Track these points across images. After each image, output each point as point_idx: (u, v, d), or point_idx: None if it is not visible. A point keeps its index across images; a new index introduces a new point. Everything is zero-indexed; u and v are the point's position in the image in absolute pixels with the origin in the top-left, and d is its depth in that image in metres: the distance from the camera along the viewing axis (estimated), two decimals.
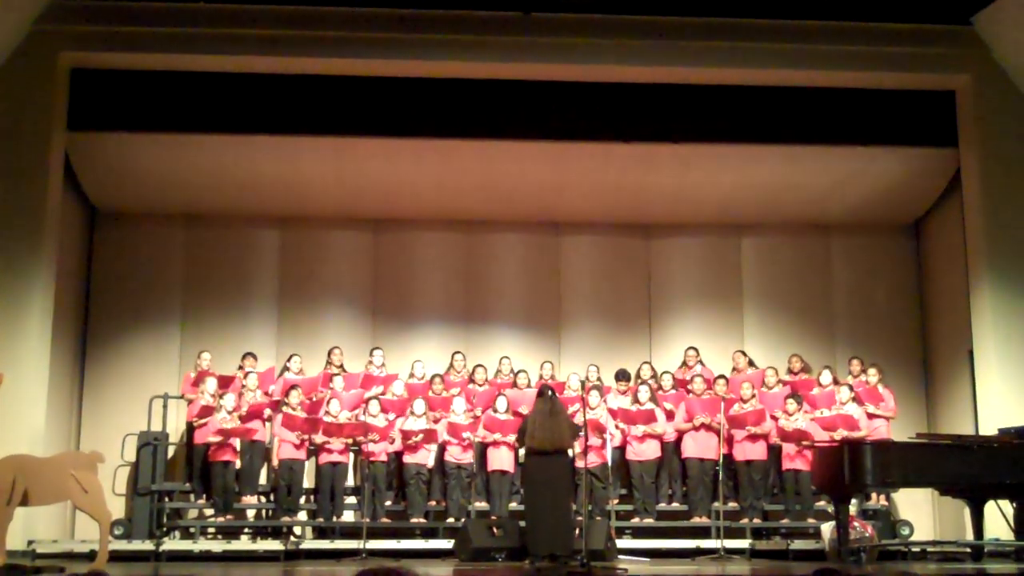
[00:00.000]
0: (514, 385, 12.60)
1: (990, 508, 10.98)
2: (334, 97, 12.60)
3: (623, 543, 11.31)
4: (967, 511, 11.27)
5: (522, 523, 10.53)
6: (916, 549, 11.70)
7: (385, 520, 12.00)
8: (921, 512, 13.15)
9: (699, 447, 12.13)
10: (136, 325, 13.54)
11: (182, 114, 12.47)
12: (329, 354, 12.87)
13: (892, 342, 14.07)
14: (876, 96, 12.91)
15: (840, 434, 11.52)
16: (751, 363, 13.09)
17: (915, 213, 14.28)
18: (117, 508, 12.24)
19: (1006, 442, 10.57)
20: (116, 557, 10.33)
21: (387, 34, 12.28)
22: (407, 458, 12.06)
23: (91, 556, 10.01)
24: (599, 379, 12.76)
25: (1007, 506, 10.92)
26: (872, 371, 12.58)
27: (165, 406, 12.65)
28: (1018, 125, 12.63)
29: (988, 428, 11.81)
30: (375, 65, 12.42)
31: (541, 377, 12.70)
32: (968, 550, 11.23)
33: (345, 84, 12.59)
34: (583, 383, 11.85)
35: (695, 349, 13.28)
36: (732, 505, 12.13)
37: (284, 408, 11.98)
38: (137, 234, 13.81)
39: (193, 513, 12.40)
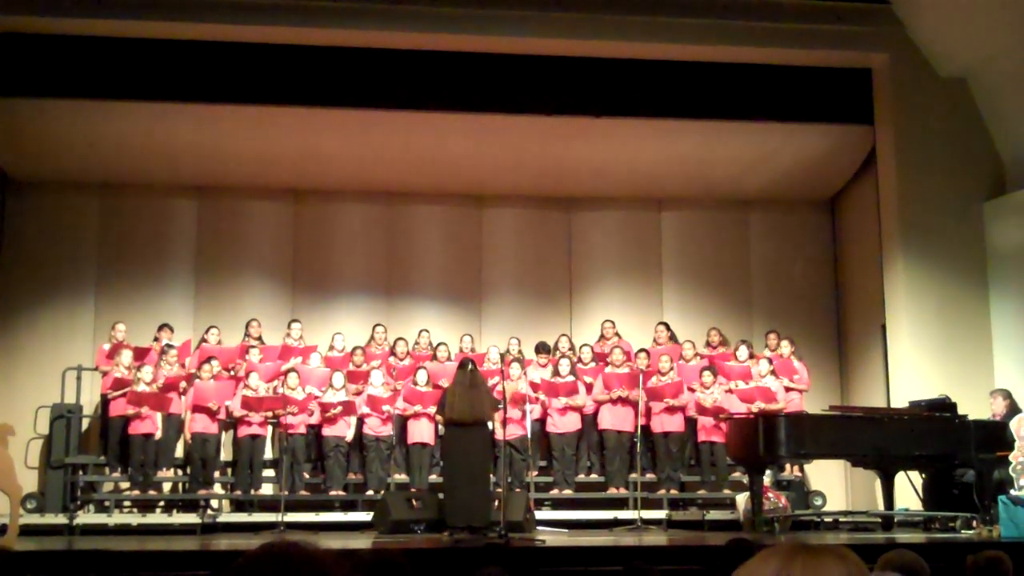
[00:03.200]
0: (434, 358, 12.59)
1: (900, 479, 11.23)
2: (254, 65, 12.42)
3: (542, 515, 11.39)
4: (878, 482, 11.53)
5: (441, 495, 10.56)
6: (828, 519, 11.92)
7: (304, 493, 11.96)
8: (834, 483, 13.39)
9: (617, 419, 12.23)
10: (49, 296, 13.26)
11: (97, 80, 12.20)
12: (247, 326, 12.75)
13: (807, 316, 14.29)
14: (794, 73, 13.06)
15: (757, 406, 11.68)
16: (672, 336, 13.20)
17: (831, 189, 14.48)
18: (30, 482, 12.03)
19: (916, 415, 10.83)
20: (29, 531, 10.15)
21: (308, 2, 12.12)
22: (326, 431, 12.01)
23: (3, 530, 9.83)
24: (520, 352, 12.79)
25: (916, 477, 11.20)
26: (785, 344, 12.77)
27: (79, 378, 12.44)
28: (933, 103, 12.84)
29: (899, 401, 12.07)
30: (295, 33, 12.26)
31: (461, 350, 12.71)
32: (879, 520, 11.46)
33: (265, 52, 12.42)
34: (503, 356, 11.88)
35: (611, 321, 13.36)
36: (649, 476, 12.26)
37: (196, 380, 11.85)
38: (50, 203, 13.50)
39: (108, 486, 12.22)
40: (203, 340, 12.63)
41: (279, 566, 1.91)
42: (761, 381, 12.17)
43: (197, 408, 11.77)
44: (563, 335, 13.25)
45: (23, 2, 11.83)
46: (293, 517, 11.18)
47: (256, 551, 1.95)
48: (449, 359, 12.49)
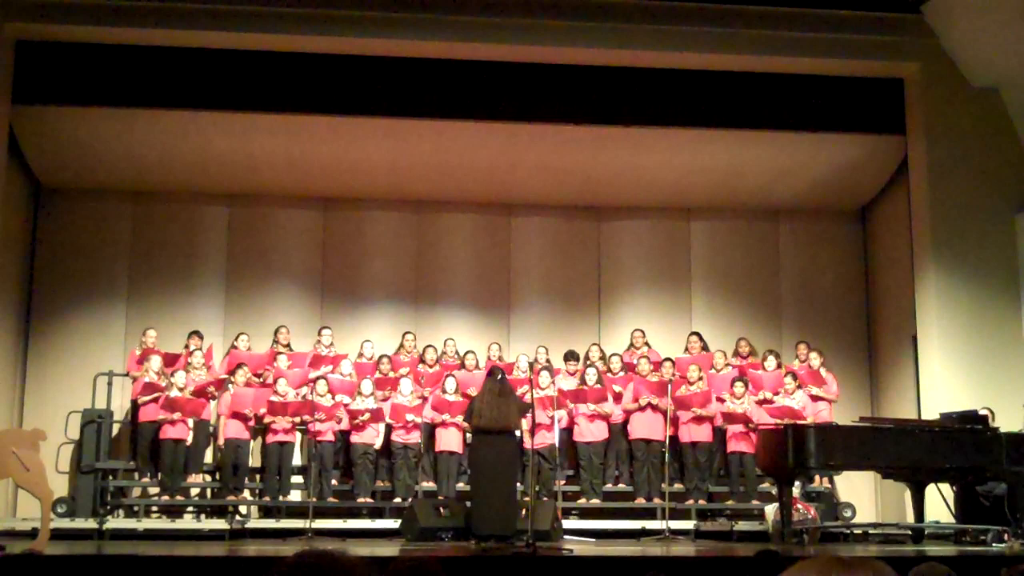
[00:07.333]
0: (462, 366, 12.60)
1: (931, 491, 11.14)
2: (286, 74, 12.46)
3: (569, 524, 11.36)
4: (908, 494, 11.43)
5: (469, 503, 10.55)
6: (858, 531, 11.83)
7: (332, 500, 11.98)
8: (863, 495, 13.30)
9: (646, 429, 12.20)
10: (81, 301, 13.37)
11: (130, 88, 12.27)
12: (276, 333, 12.81)
13: (838, 326, 14.21)
14: (826, 82, 12.99)
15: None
16: (705, 347, 13.17)
17: (863, 199, 14.40)
18: (60, 486, 12.09)
19: (947, 427, 10.74)
20: (59, 535, 10.23)
21: (340, 11, 12.16)
22: (354, 438, 12.04)
23: (33, 534, 9.91)
24: (548, 360, 12.78)
25: (947, 489, 11.10)
26: (814, 355, 12.73)
27: (110, 383, 12.52)
28: (965, 113, 12.76)
29: (930, 413, 11.96)
30: (327, 42, 12.32)
31: (489, 358, 12.72)
32: (909, 532, 11.37)
33: (297, 61, 12.46)
34: (531, 364, 11.87)
35: (641, 331, 13.35)
36: (678, 486, 12.22)
37: (230, 386, 11.91)
38: (83, 210, 13.60)
39: (137, 491, 12.30)
40: (233, 346, 12.71)
41: (313, 574, 1.92)
42: (788, 399, 12.08)
43: (236, 415, 11.83)
44: (594, 344, 13.24)
45: (57, 11, 11.93)
46: (321, 524, 11.20)
47: (290, 559, 1.96)
48: (477, 367, 12.51)
